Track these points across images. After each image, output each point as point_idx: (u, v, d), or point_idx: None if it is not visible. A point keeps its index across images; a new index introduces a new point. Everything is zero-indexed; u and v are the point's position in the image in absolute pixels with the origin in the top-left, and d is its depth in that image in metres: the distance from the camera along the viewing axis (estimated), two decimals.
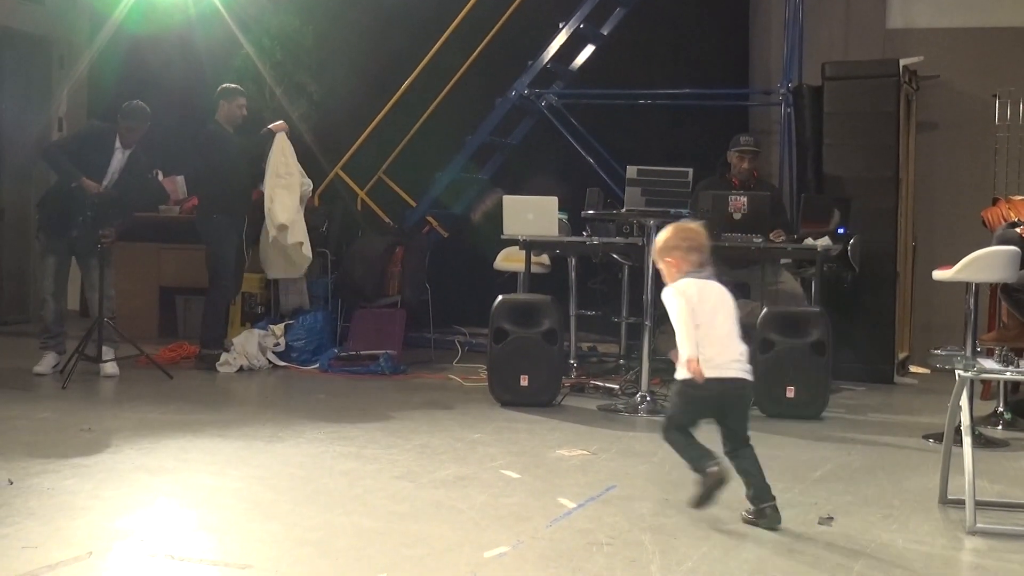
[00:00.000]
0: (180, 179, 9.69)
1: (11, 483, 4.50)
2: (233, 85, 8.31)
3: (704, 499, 4.20)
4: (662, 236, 4.53)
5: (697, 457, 4.25)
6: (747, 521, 4.22)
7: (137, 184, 7.77)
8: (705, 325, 4.32)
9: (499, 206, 7.55)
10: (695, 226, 4.58)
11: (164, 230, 9.61)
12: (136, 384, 7.32)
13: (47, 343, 7.69)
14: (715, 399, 4.26)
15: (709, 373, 4.21)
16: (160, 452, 5.23)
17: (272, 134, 8.24)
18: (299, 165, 8.38)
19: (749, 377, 4.33)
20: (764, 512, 4.17)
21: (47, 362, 7.62)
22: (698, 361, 4.20)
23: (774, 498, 4.21)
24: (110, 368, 7.52)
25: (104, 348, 7.55)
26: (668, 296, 4.41)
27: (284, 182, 8.20)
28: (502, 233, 7.56)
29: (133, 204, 7.80)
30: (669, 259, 4.50)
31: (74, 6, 10.53)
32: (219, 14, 9.36)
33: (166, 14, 9.85)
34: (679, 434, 4.32)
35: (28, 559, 3.54)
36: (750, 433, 4.33)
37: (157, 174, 9.60)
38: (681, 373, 4.28)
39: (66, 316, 7.90)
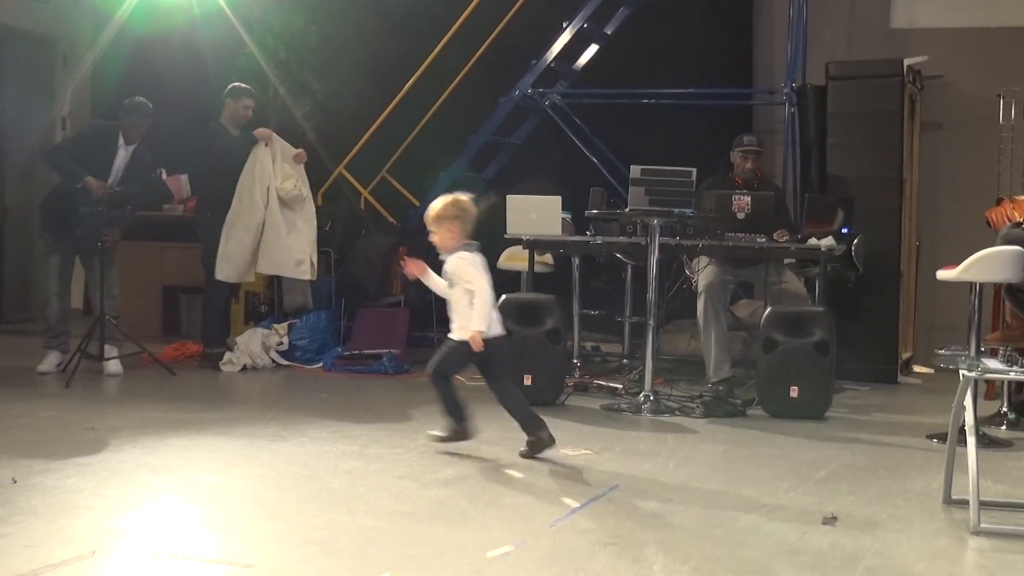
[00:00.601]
0: (183, 178, 9.69)
1: (15, 481, 4.50)
2: (242, 85, 8.30)
3: (444, 441, 5.34)
4: (440, 205, 5.22)
5: (455, 408, 5.35)
6: (526, 455, 5.13)
7: (141, 181, 7.79)
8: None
9: (492, 209, 7.52)
10: (468, 198, 5.27)
11: (167, 229, 9.60)
12: (139, 383, 7.32)
13: (50, 342, 7.70)
14: (485, 354, 5.20)
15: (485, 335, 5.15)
16: (163, 451, 5.23)
17: (254, 140, 8.11)
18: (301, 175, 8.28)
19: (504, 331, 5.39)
20: (540, 440, 5.14)
21: (51, 361, 7.62)
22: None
23: (543, 422, 5.16)
24: (113, 367, 7.53)
25: (107, 347, 7.55)
26: (473, 267, 5.23)
27: (301, 210, 8.15)
28: (505, 233, 7.57)
29: (137, 202, 7.81)
30: (449, 228, 5.20)
31: (78, 5, 10.54)
32: (223, 13, 9.36)
33: (170, 13, 9.85)
34: (447, 381, 5.36)
35: (31, 558, 3.54)
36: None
37: (161, 173, 9.61)
38: (461, 335, 5.24)
39: (70, 315, 7.90)
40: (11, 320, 10.32)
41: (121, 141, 7.62)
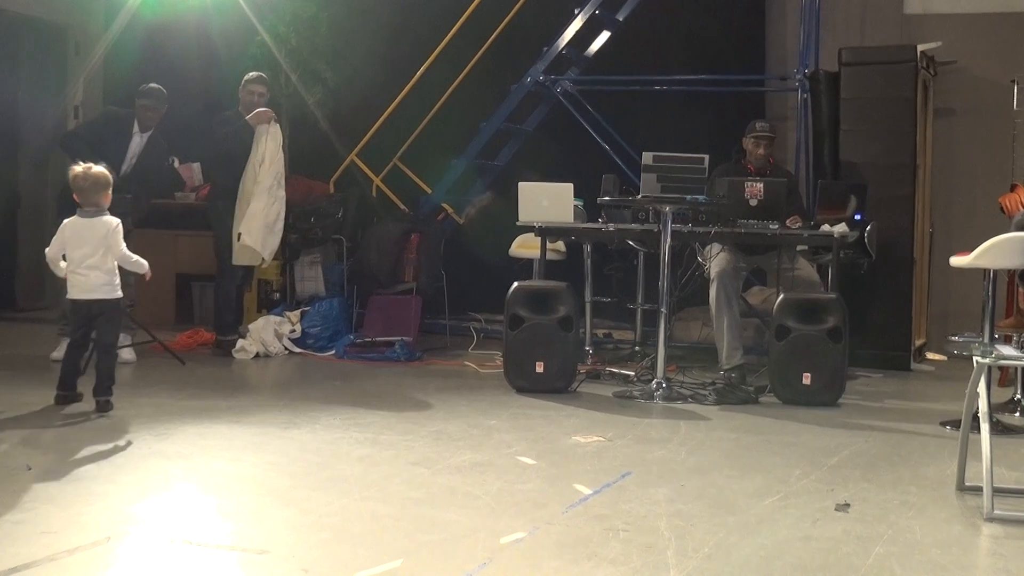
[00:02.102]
0: (196, 166, 9.68)
1: (29, 469, 4.52)
2: (253, 73, 8.30)
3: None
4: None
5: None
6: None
7: (156, 168, 7.79)
8: None
9: (494, 206, 7.53)
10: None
11: (180, 217, 9.63)
12: (153, 370, 7.35)
13: (64, 330, 7.72)
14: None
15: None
16: (177, 438, 5.25)
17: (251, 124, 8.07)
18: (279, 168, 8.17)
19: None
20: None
21: (63, 348, 7.63)
22: None
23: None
24: (126, 354, 7.55)
25: (120, 335, 7.57)
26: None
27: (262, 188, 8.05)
28: (516, 221, 7.57)
29: (152, 189, 7.82)
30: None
31: None
32: (234, 1, 9.36)
33: (182, 1, 9.85)
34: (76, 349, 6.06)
35: (47, 544, 3.55)
36: None
37: (173, 161, 9.62)
38: None
39: None
40: (25, 308, 10.35)
41: (136, 128, 7.63)
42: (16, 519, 3.83)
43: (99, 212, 5.94)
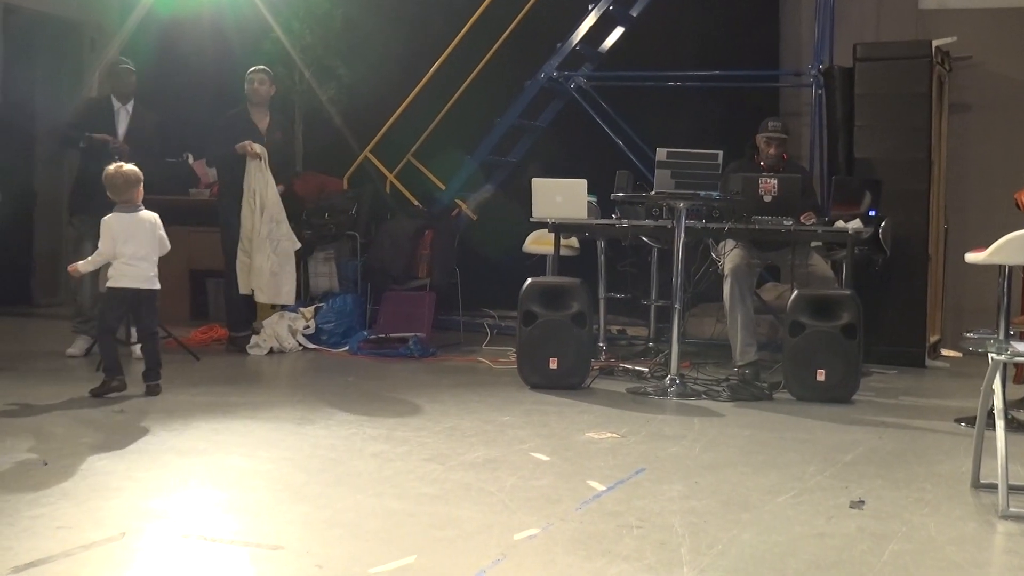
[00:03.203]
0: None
1: (46, 464, 4.55)
2: (256, 66, 8.29)
3: (100, 393, 6.06)
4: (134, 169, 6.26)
5: (114, 363, 6.20)
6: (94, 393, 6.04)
7: (150, 137, 7.82)
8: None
9: (495, 200, 7.54)
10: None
11: (194, 213, 9.64)
12: (167, 366, 7.33)
13: (79, 327, 7.76)
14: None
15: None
16: (191, 434, 5.27)
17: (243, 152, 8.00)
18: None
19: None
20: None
21: (80, 345, 7.68)
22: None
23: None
24: (139, 351, 7.56)
25: (133, 330, 7.61)
26: (103, 225, 6.18)
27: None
28: (530, 217, 7.58)
29: (154, 153, 7.86)
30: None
31: None
32: None
33: None
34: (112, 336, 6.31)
35: (63, 539, 3.57)
36: None
37: (188, 157, 9.66)
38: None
39: (99, 300, 7.94)
40: (41, 304, 10.40)
41: (116, 103, 7.71)
42: (33, 514, 3.84)
43: (137, 208, 6.31)
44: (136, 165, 7.47)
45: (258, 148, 7.92)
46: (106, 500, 4.08)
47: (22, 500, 4.01)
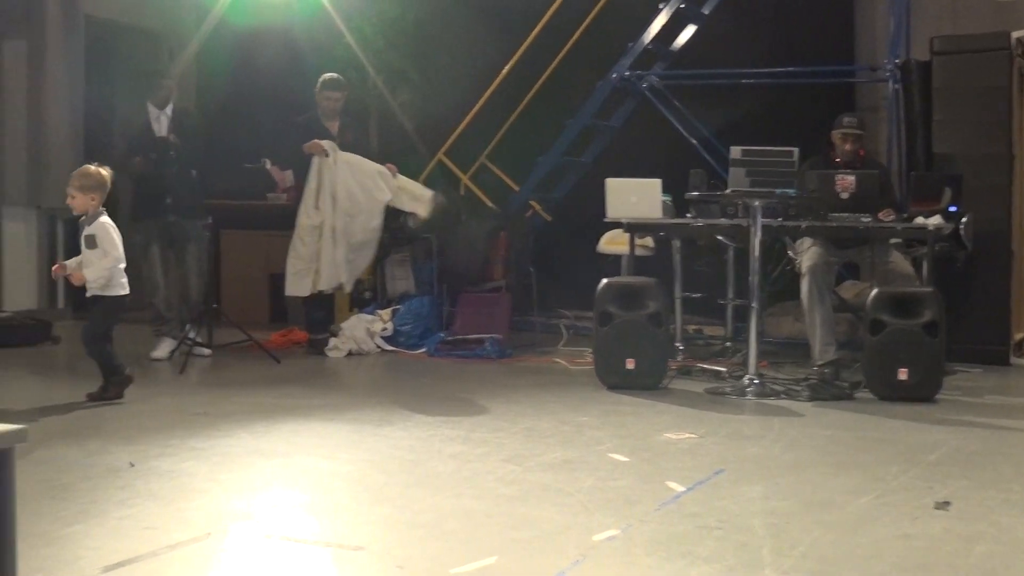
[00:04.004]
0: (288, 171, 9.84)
1: (132, 465, 4.64)
2: (327, 76, 8.35)
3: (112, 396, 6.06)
4: (99, 171, 6.07)
5: (113, 367, 6.13)
6: (92, 397, 6.01)
7: (191, 137, 8.01)
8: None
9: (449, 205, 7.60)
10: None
11: (272, 218, 9.76)
12: (249, 369, 7.48)
13: (161, 329, 7.90)
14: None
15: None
16: (273, 436, 5.34)
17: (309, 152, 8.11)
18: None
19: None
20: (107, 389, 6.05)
21: (164, 348, 7.82)
22: None
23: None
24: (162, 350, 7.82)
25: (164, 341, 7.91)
26: (110, 229, 6.05)
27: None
28: (604, 217, 7.57)
29: (191, 153, 8.05)
30: (95, 196, 6.05)
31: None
32: (320, 3, 9.47)
33: (269, 4, 10.00)
34: (102, 343, 6.14)
35: (149, 539, 3.64)
36: None
37: (265, 162, 9.77)
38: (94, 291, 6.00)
39: (175, 302, 8.08)
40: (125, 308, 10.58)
41: (153, 109, 7.87)
42: (120, 515, 3.93)
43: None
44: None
45: (326, 143, 8.02)
46: (191, 501, 4.15)
47: (111, 501, 4.10)
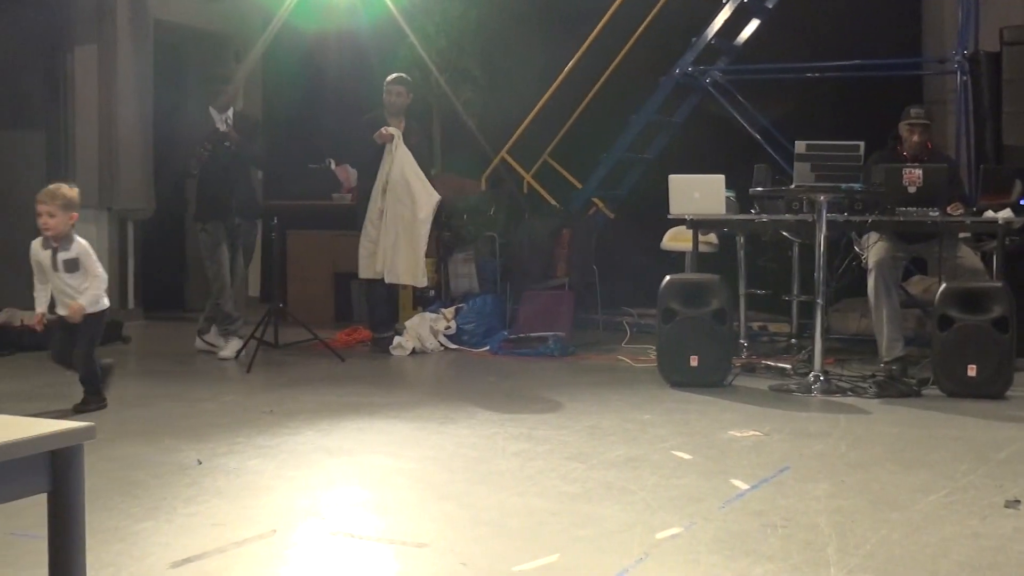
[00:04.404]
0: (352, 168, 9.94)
1: (200, 463, 4.71)
2: (394, 74, 8.41)
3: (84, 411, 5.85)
4: (72, 189, 5.79)
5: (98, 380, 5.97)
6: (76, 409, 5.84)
7: (249, 135, 8.12)
8: None
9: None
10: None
11: (337, 218, 9.85)
12: (314, 368, 7.55)
13: (228, 329, 8.01)
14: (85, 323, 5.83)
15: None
16: (338, 433, 5.39)
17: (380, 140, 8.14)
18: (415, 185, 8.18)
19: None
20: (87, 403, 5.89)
21: (232, 347, 7.92)
22: None
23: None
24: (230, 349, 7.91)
25: (214, 328, 8.08)
26: (90, 249, 5.85)
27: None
28: (668, 213, 7.54)
29: (256, 157, 8.25)
30: (73, 215, 5.77)
31: (247, 2, 10.88)
32: (384, 4, 9.53)
33: (333, 6, 10.09)
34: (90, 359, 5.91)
35: (217, 536, 3.70)
36: None
37: (330, 163, 9.88)
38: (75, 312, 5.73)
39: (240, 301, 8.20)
40: (194, 309, 10.74)
41: (213, 113, 8.01)
42: (189, 511, 3.99)
43: None
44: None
45: (392, 128, 8.08)
46: (257, 498, 4.21)
47: (179, 498, 4.16)
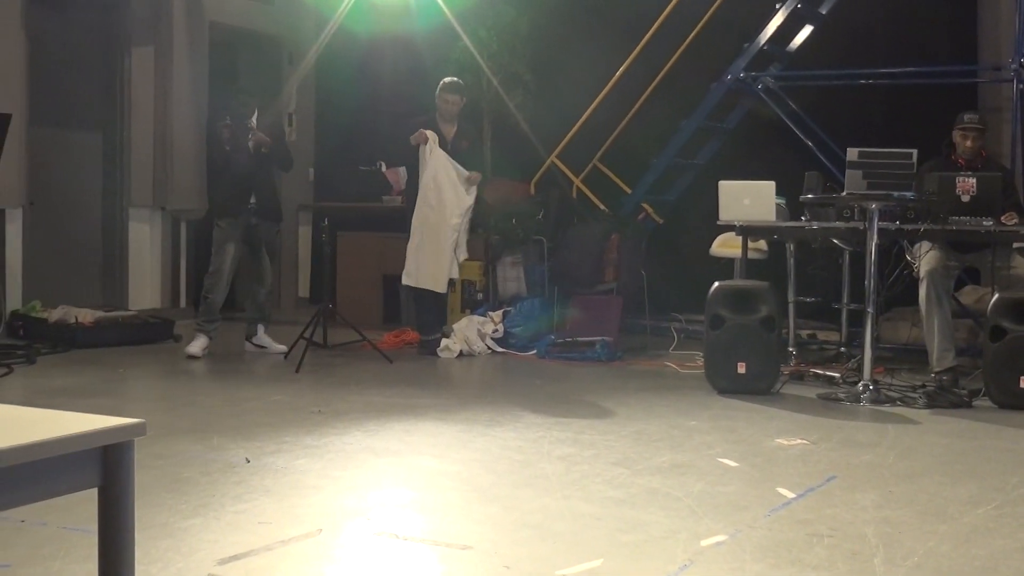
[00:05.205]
0: (402, 170, 9.97)
1: (248, 462, 4.75)
2: (447, 80, 8.43)
3: None
4: None
5: None
6: None
7: (274, 131, 8.19)
8: None
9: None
10: None
11: (387, 220, 9.91)
12: (362, 369, 7.59)
13: (204, 326, 8.02)
14: None
15: None
16: (385, 434, 5.42)
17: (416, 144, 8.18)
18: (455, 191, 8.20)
19: None
20: None
21: (198, 344, 7.95)
22: None
23: None
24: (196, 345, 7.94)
25: (260, 327, 8.20)
26: None
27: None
28: (717, 219, 7.51)
29: (283, 158, 8.30)
30: None
31: (300, 5, 10.97)
32: (437, 7, 9.58)
33: (386, 10, 10.15)
34: None
35: (264, 534, 3.74)
36: None
37: (381, 165, 9.93)
38: None
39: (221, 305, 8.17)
40: (245, 308, 10.82)
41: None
42: (236, 509, 4.03)
43: None
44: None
45: (429, 132, 8.08)
46: (304, 497, 4.24)
47: (227, 496, 4.21)
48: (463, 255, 8.33)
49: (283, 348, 8.04)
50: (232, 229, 8.01)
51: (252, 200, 8.02)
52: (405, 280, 8.25)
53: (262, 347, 8.20)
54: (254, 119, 8.13)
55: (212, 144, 8.22)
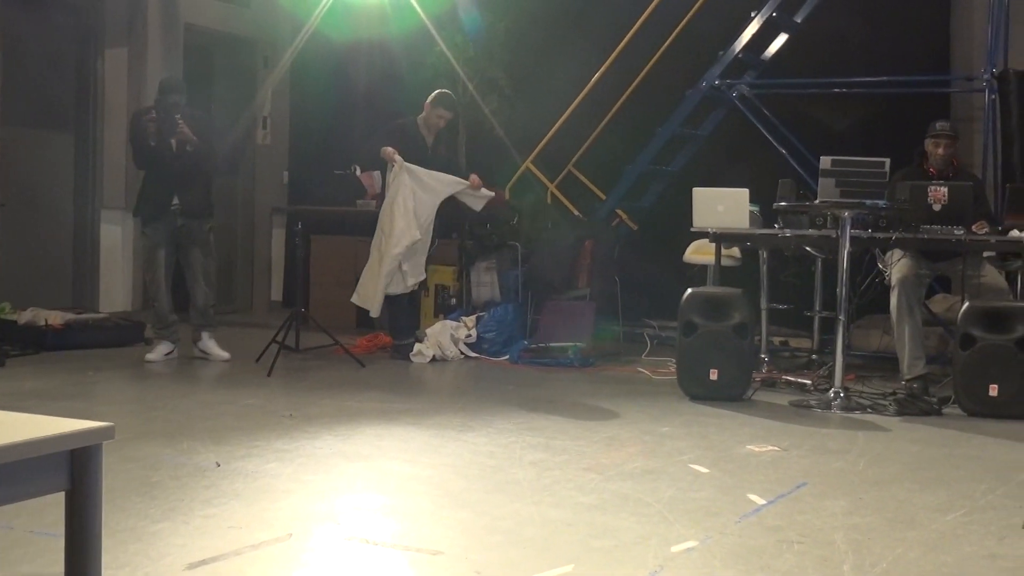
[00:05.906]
0: (376, 174, 9.96)
1: (218, 465, 4.73)
2: (444, 93, 8.35)
3: None
4: None
5: None
6: None
7: (204, 134, 7.90)
8: None
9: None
10: None
11: (361, 224, 9.86)
12: (334, 373, 7.57)
13: (160, 332, 7.94)
14: None
15: None
16: (356, 439, 5.41)
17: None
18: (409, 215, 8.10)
19: None
20: None
21: (160, 350, 7.88)
22: None
23: None
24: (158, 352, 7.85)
25: (204, 334, 8.01)
26: None
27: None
28: (691, 226, 7.53)
29: (209, 155, 8.00)
30: None
31: (276, 8, 10.94)
32: (413, 12, 9.57)
33: (362, 14, 10.14)
34: None
35: (233, 539, 3.72)
36: None
37: (355, 169, 9.90)
38: None
39: (173, 306, 8.03)
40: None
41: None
42: (206, 513, 4.01)
43: None
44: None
45: (397, 157, 7.98)
46: (274, 502, 4.22)
47: (197, 500, 4.19)
48: (413, 279, 8.21)
49: (226, 355, 7.91)
50: (157, 235, 7.83)
51: (175, 201, 7.79)
52: (353, 298, 8.25)
53: (205, 353, 8.03)
54: (179, 116, 7.76)
55: (136, 137, 7.86)
